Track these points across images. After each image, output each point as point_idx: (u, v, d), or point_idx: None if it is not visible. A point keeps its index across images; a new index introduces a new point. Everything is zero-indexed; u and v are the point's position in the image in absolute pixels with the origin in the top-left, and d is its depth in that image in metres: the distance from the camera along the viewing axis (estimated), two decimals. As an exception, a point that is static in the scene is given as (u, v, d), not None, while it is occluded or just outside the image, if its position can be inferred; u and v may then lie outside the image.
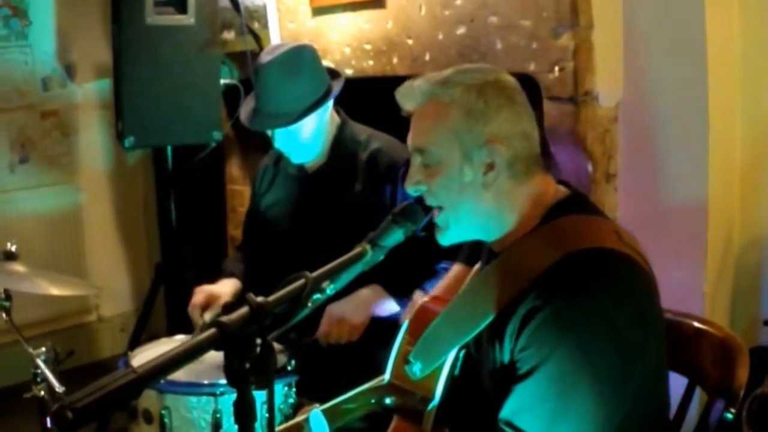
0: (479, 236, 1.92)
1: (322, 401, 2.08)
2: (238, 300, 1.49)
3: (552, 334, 1.67)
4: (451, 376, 1.88)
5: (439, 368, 1.88)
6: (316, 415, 1.95)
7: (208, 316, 2.80)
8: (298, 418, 2.00)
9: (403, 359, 1.93)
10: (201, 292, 2.87)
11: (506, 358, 1.77)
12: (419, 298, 2.52)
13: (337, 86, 2.91)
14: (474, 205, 1.83)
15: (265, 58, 2.83)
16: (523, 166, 1.83)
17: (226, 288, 2.95)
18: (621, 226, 1.86)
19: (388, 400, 2.00)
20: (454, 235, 1.90)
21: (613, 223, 1.87)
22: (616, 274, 1.73)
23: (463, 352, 1.92)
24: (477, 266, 2.07)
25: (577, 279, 1.70)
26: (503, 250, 1.86)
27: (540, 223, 1.83)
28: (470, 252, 2.16)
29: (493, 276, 1.82)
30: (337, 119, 2.98)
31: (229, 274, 3.05)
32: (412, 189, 1.89)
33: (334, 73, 3.00)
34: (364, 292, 2.72)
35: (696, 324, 2.07)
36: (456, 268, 2.21)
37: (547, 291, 1.69)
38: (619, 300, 1.70)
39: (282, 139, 2.87)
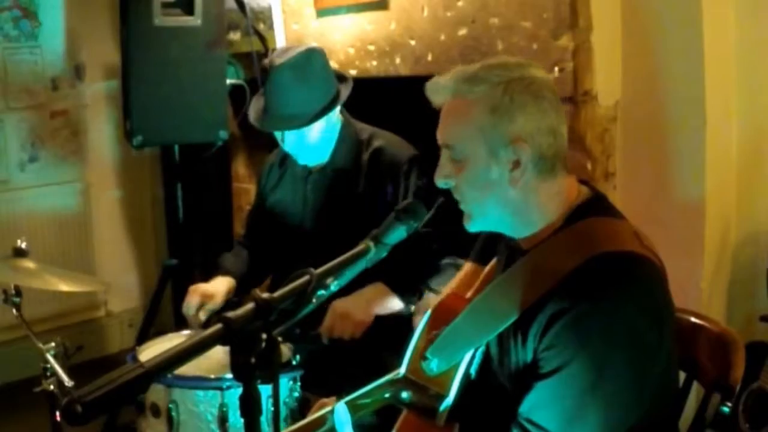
0: (505, 229, 1.93)
1: (326, 396, 2.09)
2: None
3: (576, 336, 1.69)
4: (467, 373, 1.89)
5: (456, 366, 1.88)
6: (341, 408, 1.93)
7: (203, 315, 2.84)
8: (322, 411, 1.98)
9: (420, 354, 1.93)
10: (195, 292, 2.89)
11: (529, 356, 1.78)
12: (432, 299, 2.53)
13: (345, 89, 2.92)
14: (500, 201, 1.84)
15: (277, 60, 2.82)
16: (550, 163, 1.83)
17: (220, 287, 2.96)
18: (638, 228, 1.87)
19: (404, 394, 1.98)
20: (480, 225, 1.92)
21: (632, 225, 1.88)
22: (638, 278, 1.75)
23: (481, 350, 1.93)
24: (493, 262, 2.09)
25: (602, 282, 1.71)
26: (529, 250, 1.87)
27: (564, 224, 1.84)
28: (481, 250, 2.17)
29: (519, 276, 1.83)
30: (340, 118, 2.99)
31: (225, 272, 3.06)
32: (441, 182, 1.89)
33: (341, 77, 3.01)
34: (369, 290, 2.73)
35: (693, 319, 2.09)
36: (467, 266, 2.22)
37: (573, 294, 1.70)
38: (641, 303, 1.72)
39: (292, 141, 2.88)
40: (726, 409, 2.20)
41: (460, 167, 1.84)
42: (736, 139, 3.08)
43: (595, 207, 1.87)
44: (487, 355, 1.94)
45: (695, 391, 2.10)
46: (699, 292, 3.03)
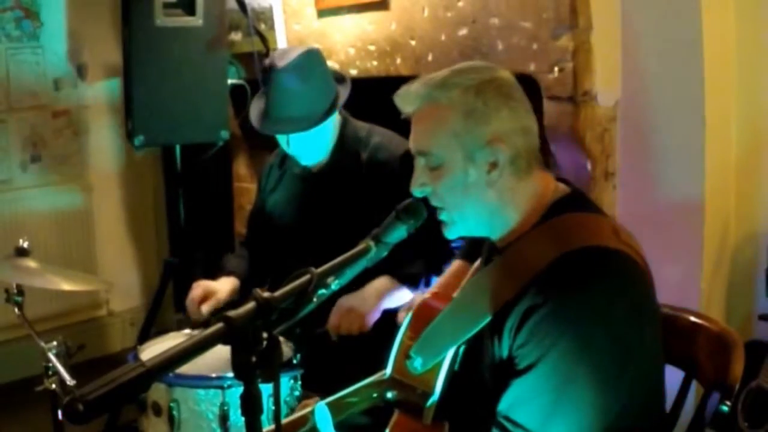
0: (484, 232, 1.93)
1: (328, 394, 2.09)
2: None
3: (550, 331, 1.69)
4: (451, 371, 1.90)
5: (440, 363, 1.89)
6: (321, 408, 1.96)
7: (205, 309, 2.84)
8: (303, 411, 2.01)
9: (404, 354, 1.94)
10: (199, 287, 2.89)
11: (505, 353, 1.79)
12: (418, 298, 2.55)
13: (345, 90, 2.92)
14: (479, 204, 1.85)
15: (279, 63, 2.81)
16: (525, 161, 1.84)
17: (224, 284, 2.96)
18: (619, 223, 1.88)
19: (389, 395, 2.00)
20: (460, 230, 1.92)
21: (611, 221, 1.88)
22: (612, 272, 1.75)
23: (463, 347, 1.93)
24: (478, 262, 2.08)
25: (575, 277, 1.72)
26: (505, 247, 1.88)
27: (540, 220, 1.84)
28: (469, 248, 2.17)
29: (495, 273, 1.84)
30: (338, 118, 2.99)
31: (228, 273, 3.06)
32: (417, 191, 1.90)
33: (339, 77, 3.01)
34: (374, 284, 2.73)
35: (692, 318, 2.09)
36: (456, 264, 2.22)
37: (546, 289, 1.71)
38: (615, 297, 1.73)
39: (297, 143, 2.88)
40: (725, 408, 2.21)
41: (438, 174, 1.85)
42: (735, 140, 3.09)
43: (572, 203, 1.88)
44: (470, 352, 1.95)
45: (694, 390, 2.10)
46: (698, 292, 3.04)
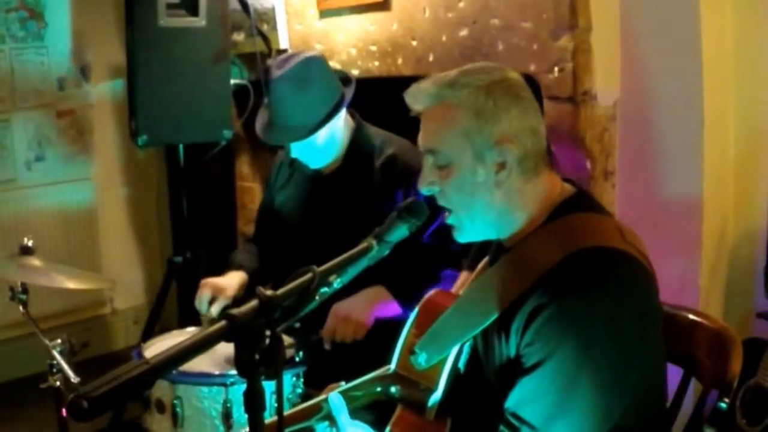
0: (492, 234, 1.94)
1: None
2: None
3: (556, 331, 1.70)
4: (454, 367, 1.91)
5: (444, 360, 1.90)
6: (335, 396, 1.96)
7: (215, 309, 2.84)
8: (316, 399, 2.02)
9: (409, 350, 1.95)
10: (207, 286, 2.89)
11: (512, 352, 1.80)
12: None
13: (348, 93, 2.92)
14: (486, 204, 1.86)
15: (275, 72, 2.83)
16: (533, 162, 1.85)
17: (232, 280, 2.96)
18: (624, 224, 1.89)
19: (393, 389, 2.01)
20: (469, 234, 1.93)
21: (616, 222, 1.89)
22: (617, 273, 1.76)
23: (469, 344, 1.95)
24: (484, 262, 2.09)
25: (581, 277, 1.73)
26: (512, 247, 1.89)
27: (547, 220, 1.85)
28: (474, 258, 2.18)
29: (501, 272, 1.85)
30: (351, 123, 3.00)
31: (237, 267, 3.06)
32: (425, 189, 1.91)
33: (345, 79, 3.00)
34: (369, 291, 2.73)
35: (691, 316, 2.10)
36: (463, 276, 2.23)
37: (552, 289, 1.72)
38: (620, 298, 1.73)
39: (298, 149, 2.89)
40: (723, 405, 2.23)
41: (446, 173, 1.86)
42: (733, 139, 3.10)
43: (577, 203, 1.89)
44: (475, 350, 1.96)
45: (693, 388, 2.11)
46: (697, 290, 3.05)
